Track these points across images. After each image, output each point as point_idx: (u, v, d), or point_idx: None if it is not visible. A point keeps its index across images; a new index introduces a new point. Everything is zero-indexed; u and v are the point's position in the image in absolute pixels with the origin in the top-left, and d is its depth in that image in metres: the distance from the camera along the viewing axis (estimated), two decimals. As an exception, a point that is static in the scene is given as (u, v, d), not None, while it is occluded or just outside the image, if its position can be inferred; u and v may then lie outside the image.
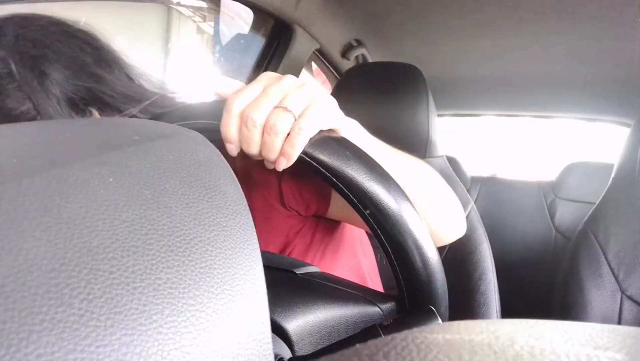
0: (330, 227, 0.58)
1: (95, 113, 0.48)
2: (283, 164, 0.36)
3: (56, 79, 0.44)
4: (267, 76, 0.37)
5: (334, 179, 0.34)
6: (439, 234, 0.52)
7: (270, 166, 0.38)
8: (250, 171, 0.54)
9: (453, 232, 0.55)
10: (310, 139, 0.35)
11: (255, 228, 0.22)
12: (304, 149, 0.35)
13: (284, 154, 0.35)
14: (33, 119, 0.42)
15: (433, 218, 0.49)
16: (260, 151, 0.36)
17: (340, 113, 0.39)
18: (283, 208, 0.53)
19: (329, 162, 0.34)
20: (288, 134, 0.35)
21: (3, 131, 0.25)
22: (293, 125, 0.34)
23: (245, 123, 0.35)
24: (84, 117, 0.46)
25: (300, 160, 0.35)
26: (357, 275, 0.62)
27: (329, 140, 0.35)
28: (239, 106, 0.35)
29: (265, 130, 0.35)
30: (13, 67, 0.42)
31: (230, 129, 0.36)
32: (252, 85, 0.36)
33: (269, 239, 0.55)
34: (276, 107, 0.35)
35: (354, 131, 0.41)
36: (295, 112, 0.34)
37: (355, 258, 0.62)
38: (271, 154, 0.35)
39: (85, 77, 0.46)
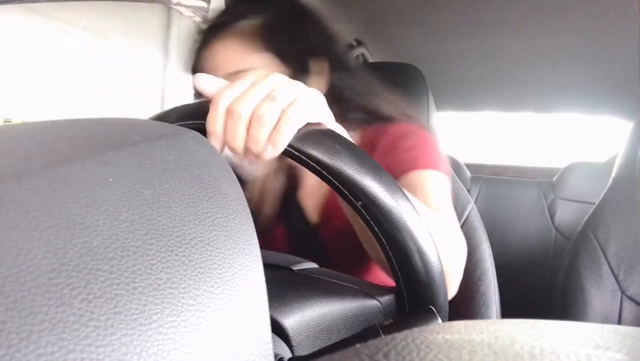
0: None
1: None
2: (270, 153, 0.35)
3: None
4: (254, 73, 0.37)
5: (324, 172, 0.34)
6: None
7: (254, 163, 0.37)
8: None
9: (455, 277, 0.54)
10: (298, 130, 0.34)
11: None
12: (291, 143, 0.34)
13: (272, 142, 0.34)
14: None
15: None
16: (245, 146, 0.36)
17: (327, 109, 0.38)
18: None
19: (317, 155, 0.33)
20: (274, 128, 0.34)
21: (3, 131, 0.25)
22: (281, 115, 0.34)
23: (231, 116, 0.35)
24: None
25: (288, 154, 0.35)
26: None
27: (316, 132, 0.35)
28: (226, 100, 0.35)
29: (251, 122, 0.34)
30: None
31: (215, 124, 0.35)
32: (240, 81, 0.36)
33: None
34: (263, 100, 0.35)
35: (340, 127, 0.41)
36: (283, 103, 0.34)
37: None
38: (257, 146, 0.35)
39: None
